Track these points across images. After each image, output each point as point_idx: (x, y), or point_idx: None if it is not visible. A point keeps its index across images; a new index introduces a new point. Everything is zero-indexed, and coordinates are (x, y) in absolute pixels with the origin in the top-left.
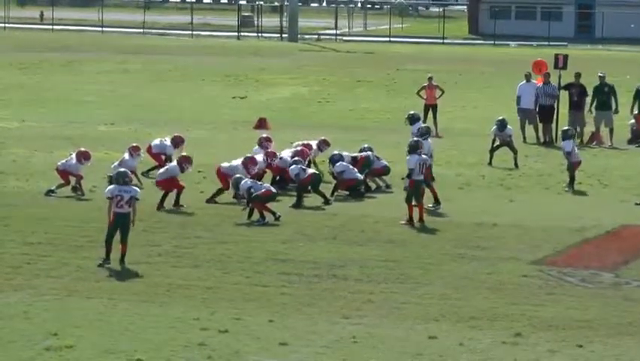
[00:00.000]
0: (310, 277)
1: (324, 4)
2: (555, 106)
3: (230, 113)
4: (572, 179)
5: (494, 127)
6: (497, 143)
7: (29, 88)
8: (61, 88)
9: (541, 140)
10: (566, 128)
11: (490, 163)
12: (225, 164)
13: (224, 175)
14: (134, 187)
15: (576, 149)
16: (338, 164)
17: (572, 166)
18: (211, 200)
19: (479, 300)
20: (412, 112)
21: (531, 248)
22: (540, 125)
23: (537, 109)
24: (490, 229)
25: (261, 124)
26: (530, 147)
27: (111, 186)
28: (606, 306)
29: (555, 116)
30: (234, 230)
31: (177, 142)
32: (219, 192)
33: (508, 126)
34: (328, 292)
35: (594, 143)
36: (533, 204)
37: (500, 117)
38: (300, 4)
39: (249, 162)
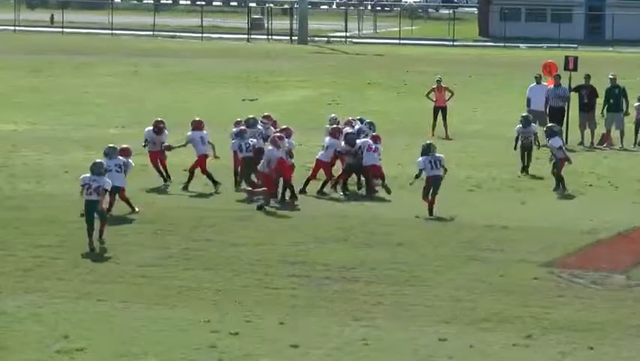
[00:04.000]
0: (321, 280)
1: (334, 6)
2: (565, 108)
3: (240, 115)
4: (561, 179)
5: (518, 125)
6: (520, 142)
7: (40, 91)
8: (71, 91)
9: None
10: (550, 125)
11: (524, 170)
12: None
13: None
14: (106, 179)
15: (563, 146)
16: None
17: (559, 163)
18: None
19: (490, 302)
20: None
21: (542, 250)
22: None
23: (547, 111)
24: (501, 231)
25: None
26: (541, 149)
27: (85, 175)
28: (617, 308)
29: (565, 119)
30: (245, 232)
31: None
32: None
33: (533, 124)
34: (339, 295)
35: (605, 145)
36: (544, 206)
37: (524, 113)
38: (309, 6)
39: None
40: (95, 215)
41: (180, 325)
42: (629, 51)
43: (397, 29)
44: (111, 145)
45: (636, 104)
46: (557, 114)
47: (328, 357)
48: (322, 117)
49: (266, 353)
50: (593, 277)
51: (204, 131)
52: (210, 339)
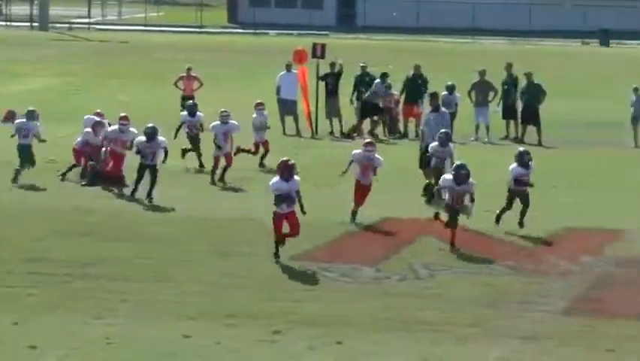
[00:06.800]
0: (62, 277)
1: None
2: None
3: None
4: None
5: (435, 143)
6: (434, 163)
7: None
8: None
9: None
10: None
11: (428, 200)
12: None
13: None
14: None
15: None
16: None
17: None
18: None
19: (237, 297)
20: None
21: (291, 243)
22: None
23: (364, 105)
24: (249, 224)
25: (10, 116)
26: (289, 140)
27: None
28: (367, 301)
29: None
30: None
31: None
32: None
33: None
34: (81, 292)
35: (356, 135)
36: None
37: (443, 130)
38: None
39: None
40: None
41: None
42: (382, 38)
43: (143, 15)
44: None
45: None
46: (373, 109)
47: (68, 358)
48: (64, 107)
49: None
50: (342, 269)
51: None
52: None
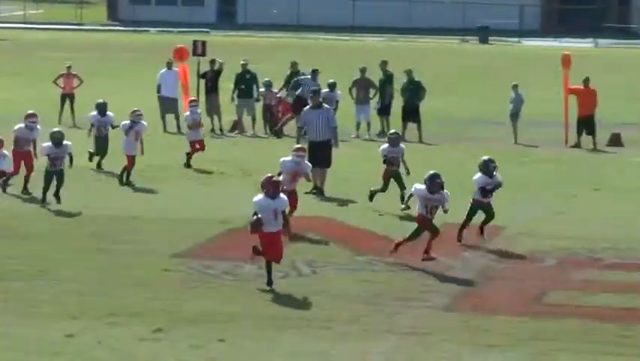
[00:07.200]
0: None
1: None
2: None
3: None
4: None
5: (385, 145)
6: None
7: None
8: None
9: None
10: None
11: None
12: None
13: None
14: None
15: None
16: None
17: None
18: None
19: (119, 296)
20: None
21: (173, 241)
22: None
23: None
24: (131, 222)
25: None
26: (170, 137)
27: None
28: (249, 299)
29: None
30: None
31: None
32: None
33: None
34: None
35: (236, 131)
36: (176, 195)
37: (393, 130)
38: None
39: None
40: None
41: None
42: (262, 35)
43: (22, 13)
44: None
45: (262, 89)
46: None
47: None
48: None
49: None
50: (224, 267)
51: None
52: None
